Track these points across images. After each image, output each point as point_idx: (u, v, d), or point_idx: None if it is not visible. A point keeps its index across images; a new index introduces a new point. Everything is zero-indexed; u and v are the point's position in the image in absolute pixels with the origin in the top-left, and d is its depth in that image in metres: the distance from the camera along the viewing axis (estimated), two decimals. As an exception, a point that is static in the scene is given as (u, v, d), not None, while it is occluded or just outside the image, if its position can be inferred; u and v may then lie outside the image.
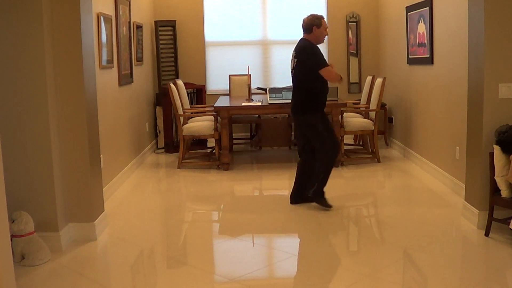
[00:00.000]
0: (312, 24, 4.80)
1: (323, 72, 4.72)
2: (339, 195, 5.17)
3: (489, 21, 3.93)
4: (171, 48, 8.01)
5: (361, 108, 6.95)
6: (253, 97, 7.09)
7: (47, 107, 3.76)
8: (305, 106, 4.81)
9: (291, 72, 4.94)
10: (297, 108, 4.90)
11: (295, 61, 4.84)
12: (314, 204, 4.89)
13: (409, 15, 6.46)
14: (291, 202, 4.95)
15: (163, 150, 7.66)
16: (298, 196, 4.96)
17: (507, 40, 3.95)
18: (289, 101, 6.32)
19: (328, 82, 4.86)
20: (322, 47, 5.15)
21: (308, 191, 4.87)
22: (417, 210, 4.77)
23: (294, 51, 4.90)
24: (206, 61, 8.30)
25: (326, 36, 4.92)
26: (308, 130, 4.88)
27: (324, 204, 4.79)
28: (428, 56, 5.82)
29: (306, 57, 4.76)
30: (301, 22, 4.88)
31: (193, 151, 7.31)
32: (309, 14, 4.89)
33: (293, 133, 7.91)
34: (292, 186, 5.00)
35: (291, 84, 4.99)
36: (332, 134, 4.87)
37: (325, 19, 4.92)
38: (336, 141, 4.89)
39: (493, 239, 3.91)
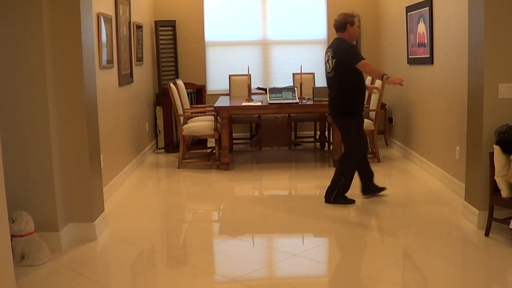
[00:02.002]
0: (346, 22, 4.78)
1: (361, 65, 4.63)
2: (339, 195, 5.17)
3: (489, 21, 3.93)
4: (171, 48, 8.01)
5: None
6: (253, 97, 7.09)
7: (47, 107, 3.76)
8: (344, 107, 4.78)
9: (328, 74, 4.88)
10: (336, 110, 4.90)
11: (333, 61, 4.77)
12: (315, 204, 4.89)
13: (409, 15, 6.45)
14: (363, 195, 5.07)
15: (163, 150, 7.66)
16: (367, 189, 5.06)
17: (507, 40, 3.95)
18: (289, 101, 6.39)
19: (364, 81, 4.86)
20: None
21: (372, 182, 5.05)
22: (417, 210, 4.77)
23: (329, 51, 4.85)
24: (206, 61, 8.30)
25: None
26: (342, 130, 4.96)
27: (347, 202, 4.88)
28: (428, 56, 5.81)
29: (346, 57, 4.71)
30: (333, 22, 4.85)
31: (193, 151, 7.31)
32: (340, 13, 4.86)
33: (293, 133, 7.92)
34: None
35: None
36: (359, 141, 4.87)
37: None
38: (360, 149, 4.91)
39: (493, 239, 3.90)
